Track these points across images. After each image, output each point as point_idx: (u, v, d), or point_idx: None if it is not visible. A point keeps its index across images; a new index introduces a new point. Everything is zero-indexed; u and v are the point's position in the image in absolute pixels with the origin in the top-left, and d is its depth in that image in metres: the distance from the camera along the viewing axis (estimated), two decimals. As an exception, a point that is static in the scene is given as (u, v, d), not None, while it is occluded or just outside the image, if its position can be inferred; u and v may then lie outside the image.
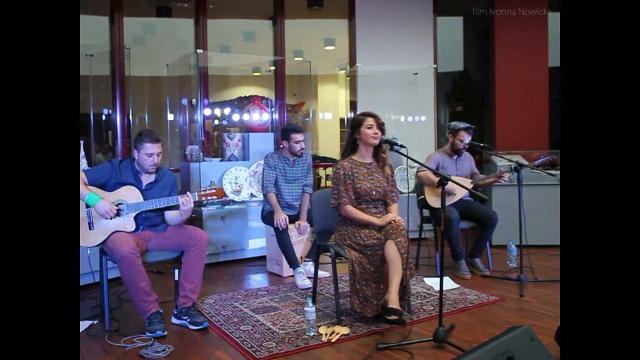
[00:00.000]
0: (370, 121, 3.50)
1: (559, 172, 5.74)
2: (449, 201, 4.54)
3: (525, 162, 4.53)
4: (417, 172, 4.66)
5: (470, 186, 4.59)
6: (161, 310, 3.33)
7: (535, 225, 5.05)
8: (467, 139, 4.68)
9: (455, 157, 4.78)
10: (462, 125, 4.70)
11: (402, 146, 3.38)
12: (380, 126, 3.53)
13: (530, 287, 4.19)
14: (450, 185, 3.47)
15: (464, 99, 9.11)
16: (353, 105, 7.00)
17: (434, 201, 4.59)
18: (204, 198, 3.50)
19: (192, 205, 3.44)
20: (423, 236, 4.99)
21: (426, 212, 4.88)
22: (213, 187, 3.58)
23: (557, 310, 3.58)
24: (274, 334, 3.25)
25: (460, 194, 4.56)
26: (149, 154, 3.46)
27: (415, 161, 3.41)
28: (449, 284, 4.22)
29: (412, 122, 6.99)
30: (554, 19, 7.01)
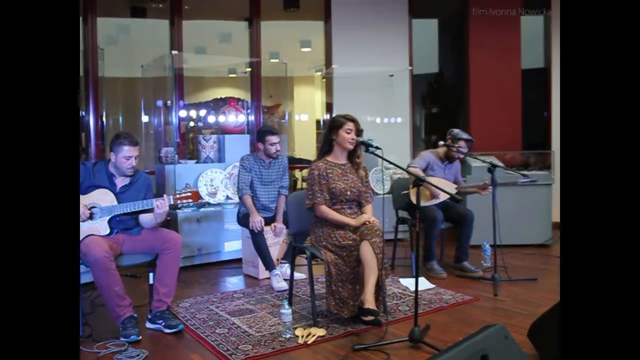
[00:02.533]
0: (350, 126, 3.51)
1: (531, 172, 5.84)
2: (433, 202, 4.57)
3: (499, 163, 4.59)
4: (408, 167, 4.65)
5: (454, 190, 4.63)
6: (135, 315, 3.29)
7: (509, 225, 5.12)
8: (463, 149, 4.69)
9: (446, 162, 4.80)
10: (465, 136, 4.70)
11: (377, 148, 3.40)
12: (359, 132, 3.55)
13: (504, 286, 4.24)
14: (431, 189, 3.49)
15: (439, 100, 9.19)
16: (329, 107, 7.01)
17: (416, 199, 4.59)
18: (179, 201, 3.47)
19: (167, 208, 3.41)
20: (398, 237, 5.02)
21: (402, 213, 4.91)
22: (188, 190, 3.55)
23: (531, 308, 3.63)
24: (250, 336, 3.23)
25: (443, 197, 4.59)
26: (127, 157, 3.42)
27: (390, 162, 3.43)
28: (424, 284, 4.25)
29: (387, 123, 7.03)
30: (526, 22, 7.12)
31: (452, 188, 4.63)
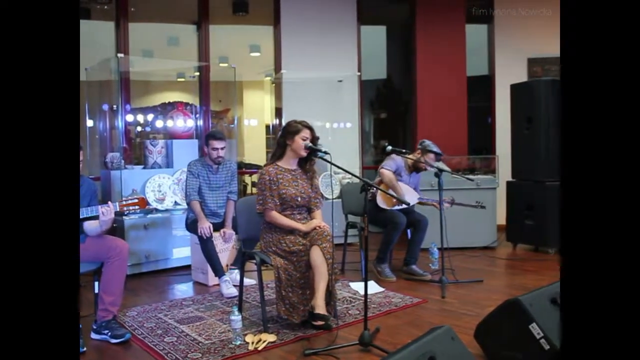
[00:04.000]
0: (306, 133, 3.52)
1: (477, 176, 5.99)
2: (397, 207, 4.63)
3: (446, 168, 4.69)
4: (380, 168, 4.68)
5: (416, 200, 4.70)
6: (80, 325, 3.20)
7: (456, 229, 5.24)
8: (432, 162, 4.74)
9: (412, 172, 4.87)
10: (435, 149, 4.73)
11: (326, 152, 3.42)
12: (315, 140, 3.56)
13: (452, 288, 4.33)
14: (391, 193, 3.50)
15: (387, 106, 9.32)
16: (278, 112, 7.01)
17: (382, 202, 4.63)
18: (125, 208, 3.39)
19: (113, 215, 3.32)
20: (348, 241, 5.06)
21: (352, 218, 4.95)
22: (135, 196, 3.47)
23: (477, 309, 3.72)
24: (200, 344, 3.19)
25: (409, 201, 4.61)
26: None
27: (339, 167, 3.44)
28: (374, 287, 4.30)
29: (336, 128, 7.08)
30: (470, 31, 7.32)
31: (414, 196, 4.71)
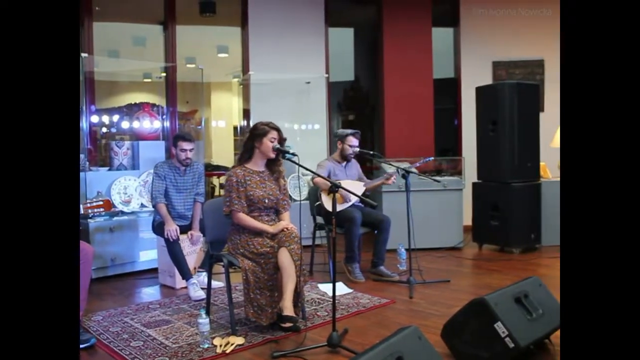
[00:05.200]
0: (274, 134, 3.52)
1: (443, 178, 6.07)
2: (344, 206, 4.64)
3: (413, 170, 4.73)
4: (313, 179, 4.73)
5: (362, 189, 4.73)
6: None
7: (423, 229, 5.29)
8: (355, 142, 4.82)
9: (344, 163, 4.91)
10: (349, 131, 4.86)
11: (293, 154, 3.42)
12: (282, 141, 3.56)
13: (419, 288, 4.38)
14: (343, 192, 3.56)
15: (355, 107, 9.38)
16: (246, 114, 6.99)
17: (330, 206, 4.64)
18: (90, 210, 3.34)
19: None
20: (316, 243, 5.07)
21: (320, 219, 4.96)
22: (100, 198, 3.42)
23: (444, 309, 3.76)
24: (167, 348, 3.16)
25: (354, 199, 4.68)
26: None
27: (307, 169, 3.45)
28: (342, 289, 4.31)
29: (305, 130, 7.09)
30: (436, 34, 7.41)
31: (360, 187, 4.74)
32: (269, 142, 3.50)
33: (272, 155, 3.53)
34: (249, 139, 3.59)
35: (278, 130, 3.55)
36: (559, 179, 5.61)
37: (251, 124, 5.36)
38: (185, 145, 4.46)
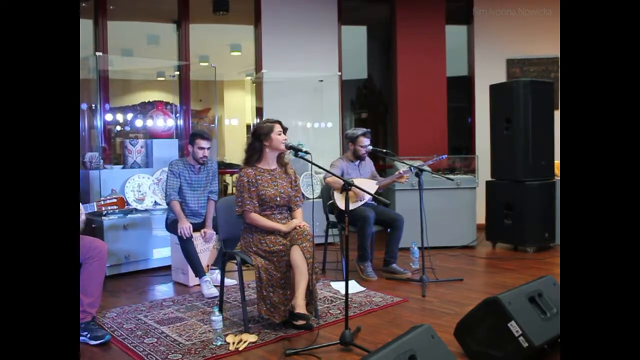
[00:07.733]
0: (278, 127, 3.53)
1: (457, 176, 6.04)
2: (357, 205, 4.64)
3: (427, 168, 4.72)
4: (325, 179, 4.72)
5: (375, 188, 4.72)
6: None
7: (436, 228, 5.28)
8: (366, 142, 4.80)
9: (357, 162, 4.90)
10: (360, 131, 4.84)
11: (306, 152, 3.42)
12: (284, 130, 3.58)
13: (432, 287, 4.36)
14: (356, 190, 3.56)
15: (368, 106, 9.34)
16: (259, 112, 6.99)
17: (343, 204, 4.65)
18: (103, 208, 3.36)
19: (84, 217, 3.25)
20: (329, 241, 5.06)
21: (332, 217, 4.95)
22: (114, 196, 3.44)
23: (457, 308, 3.75)
24: (180, 345, 3.17)
25: (367, 197, 4.67)
26: None
27: (320, 167, 3.45)
28: (354, 287, 4.31)
29: (317, 128, 7.09)
30: (450, 32, 7.37)
31: (373, 185, 4.73)
32: (277, 136, 3.51)
33: (284, 148, 3.54)
34: (256, 140, 3.58)
35: (279, 122, 3.56)
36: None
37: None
38: (204, 144, 4.47)
